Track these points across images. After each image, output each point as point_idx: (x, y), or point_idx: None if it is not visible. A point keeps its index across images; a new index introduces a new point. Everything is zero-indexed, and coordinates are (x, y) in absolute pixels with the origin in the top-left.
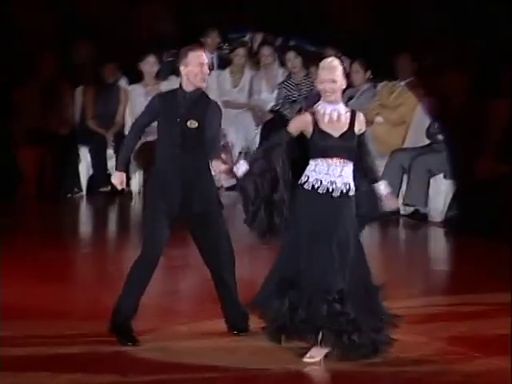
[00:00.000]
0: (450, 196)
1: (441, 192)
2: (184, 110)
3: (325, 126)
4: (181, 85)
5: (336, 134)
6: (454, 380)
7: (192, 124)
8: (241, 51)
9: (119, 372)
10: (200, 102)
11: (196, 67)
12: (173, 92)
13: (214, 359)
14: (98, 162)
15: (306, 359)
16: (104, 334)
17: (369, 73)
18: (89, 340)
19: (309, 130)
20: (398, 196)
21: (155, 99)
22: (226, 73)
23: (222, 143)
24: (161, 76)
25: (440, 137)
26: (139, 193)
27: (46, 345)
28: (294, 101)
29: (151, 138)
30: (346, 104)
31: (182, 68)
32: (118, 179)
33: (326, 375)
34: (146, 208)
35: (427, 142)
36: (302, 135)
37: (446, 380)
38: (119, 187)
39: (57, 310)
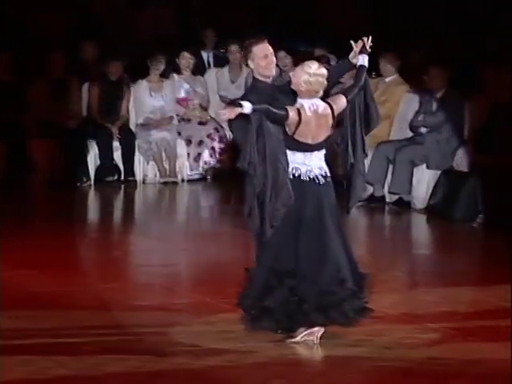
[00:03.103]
0: (432, 185)
1: (423, 181)
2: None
3: None
4: (257, 78)
5: None
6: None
7: None
8: (233, 48)
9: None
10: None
11: (261, 59)
12: (256, 86)
13: (209, 341)
14: (105, 153)
15: (300, 339)
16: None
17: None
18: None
19: None
20: (383, 185)
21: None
22: (226, 70)
23: (219, 135)
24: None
25: (422, 130)
26: (143, 182)
27: (52, 335)
28: None
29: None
30: None
31: (249, 62)
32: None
33: (326, 360)
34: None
35: (410, 134)
36: None
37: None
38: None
39: (63, 297)
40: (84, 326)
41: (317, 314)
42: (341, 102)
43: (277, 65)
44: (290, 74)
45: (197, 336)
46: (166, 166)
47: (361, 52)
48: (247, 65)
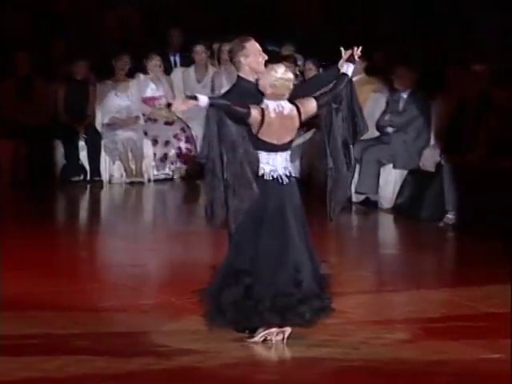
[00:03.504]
0: (399, 184)
1: (390, 181)
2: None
3: None
4: (242, 77)
5: None
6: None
7: None
8: (198, 48)
9: None
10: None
11: (257, 56)
12: (240, 85)
13: (176, 341)
14: (71, 153)
15: (258, 339)
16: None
17: (321, 70)
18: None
19: None
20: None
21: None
22: (192, 70)
23: (186, 135)
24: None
25: (389, 129)
26: (109, 182)
27: (17, 336)
28: None
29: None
30: None
31: (241, 59)
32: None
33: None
34: None
35: (377, 134)
36: None
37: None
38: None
39: (28, 298)
40: (50, 327)
41: (272, 314)
42: (310, 106)
43: None
44: (258, 75)
45: (164, 336)
46: (132, 166)
47: (348, 60)
48: (238, 62)
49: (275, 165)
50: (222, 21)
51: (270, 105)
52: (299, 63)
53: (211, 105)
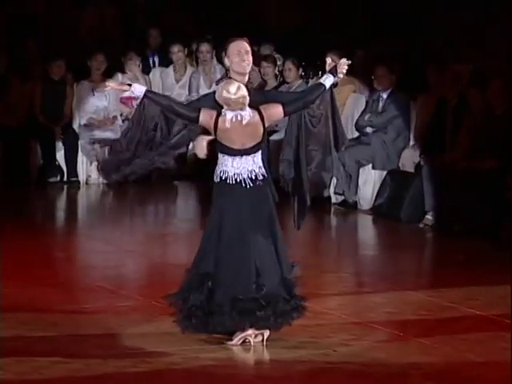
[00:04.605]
0: (378, 185)
1: (369, 181)
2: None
3: None
4: (230, 78)
5: None
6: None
7: None
8: (175, 48)
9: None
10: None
11: (236, 56)
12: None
13: (154, 343)
14: (48, 153)
15: (236, 342)
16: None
17: (301, 70)
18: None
19: None
20: (329, 186)
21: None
22: (170, 69)
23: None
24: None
25: (368, 130)
26: (86, 182)
27: None
28: None
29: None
30: None
31: (225, 60)
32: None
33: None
34: None
35: (356, 134)
36: None
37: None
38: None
39: (4, 300)
40: (26, 329)
41: (234, 318)
42: (274, 111)
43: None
44: (215, 87)
45: (141, 338)
46: None
47: (330, 72)
48: (222, 62)
49: (239, 168)
50: (199, 21)
51: (228, 114)
52: (278, 63)
53: (146, 97)
